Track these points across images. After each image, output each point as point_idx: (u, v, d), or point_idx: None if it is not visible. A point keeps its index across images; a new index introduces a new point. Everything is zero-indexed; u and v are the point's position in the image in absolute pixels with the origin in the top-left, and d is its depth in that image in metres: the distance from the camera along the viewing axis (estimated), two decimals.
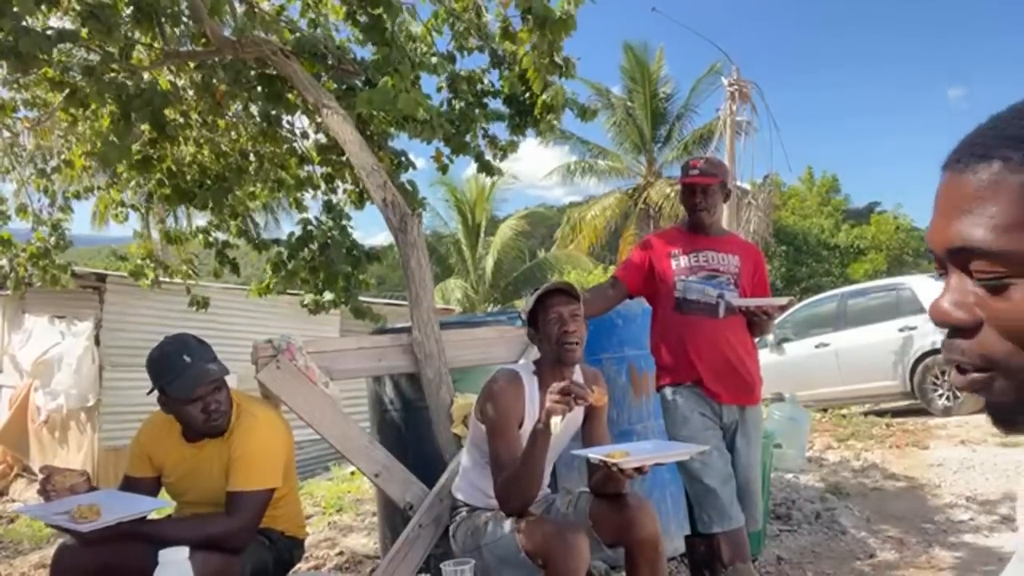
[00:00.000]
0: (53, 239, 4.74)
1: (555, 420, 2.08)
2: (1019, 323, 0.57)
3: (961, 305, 0.60)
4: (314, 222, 4.59)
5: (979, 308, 0.59)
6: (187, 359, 2.29)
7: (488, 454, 2.33)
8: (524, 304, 2.50)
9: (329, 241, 4.42)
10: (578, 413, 2.45)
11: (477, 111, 3.97)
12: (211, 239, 4.91)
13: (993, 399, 0.62)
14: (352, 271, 4.49)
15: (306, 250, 4.55)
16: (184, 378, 2.25)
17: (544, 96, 3.55)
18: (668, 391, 2.83)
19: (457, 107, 3.96)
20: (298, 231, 4.58)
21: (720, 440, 2.78)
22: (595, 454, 2.17)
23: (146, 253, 4.97)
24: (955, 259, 0.60)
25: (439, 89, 4.03)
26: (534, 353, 2.77)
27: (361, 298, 4.95)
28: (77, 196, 4.84)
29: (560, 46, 3.50)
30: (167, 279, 5.12)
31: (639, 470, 2.08)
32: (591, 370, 2.57)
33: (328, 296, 4.56)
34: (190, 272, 5.16)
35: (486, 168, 4.23)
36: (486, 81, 4.06)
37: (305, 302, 4.66)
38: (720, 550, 2.66)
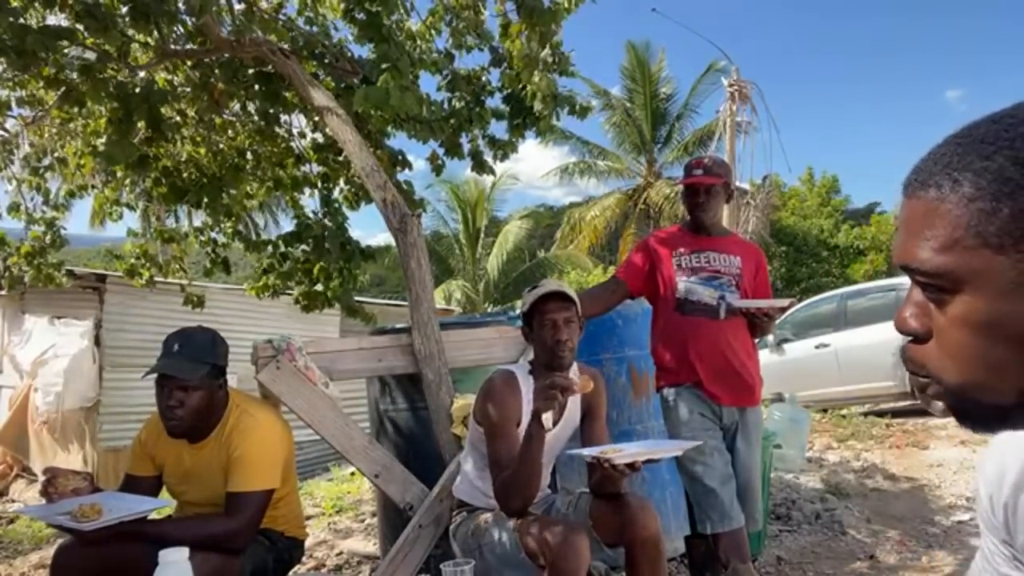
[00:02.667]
0: (48, 237, 4.73)
1: (546, 417, 2.08)
2: (953, 337, 0.62)
3: (917, 316, 0.65)
4: (311, 216, 4.59)
5: (930, 320, 0.64)
6: (176, 347, 2.30)
7: (487, 455, 2.33)
8: (521, 303, 2.50)
9: (325, 234, 4.42)
10: (575, 413, 2.45)
11: (477, 110, 3.97)
12: (203, 238, 4.91)
13: (945, 405, 0.66)
14: (346, 265, 4.49)
15: (301, 247, 4.55)
16: (159, 363, 2.28)
17: (531, 86, 3.53)
18: (668, 392, 2.83)
19: (457, 106, 3.96)
20: (294, 226, 4.59)
21: (720, 441, 2.78)
22: (590, 452, 2.17)
23: (142, 252, 4.96)
24: (908, 274, 0.65)
25: (439, 88, 4.03)
26: (531, 352, 2.78)
27: (357, 298, 4.95)
28: (72, 195, 4.83)
29: (552, 39, 3.49)
30: (162, 279, 5.11)
31: (632, 466, 2.07)
32: (590, 370, 2.56)
33: (320, 288, 4.56)
34: (180, 269, 5.14)
35: (481, 167, 4.22)
36: (485, 79, 4.06)
37: (296, 294, 4.66)
38: (720, 551, 2.66)
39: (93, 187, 4.87)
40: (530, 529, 2.15)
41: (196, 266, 5.57)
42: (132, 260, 4.93)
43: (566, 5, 3.40)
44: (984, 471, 0.85)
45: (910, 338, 0.67)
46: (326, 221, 4.50)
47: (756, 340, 2.98)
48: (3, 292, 5.30)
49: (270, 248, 4.77)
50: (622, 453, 2.09)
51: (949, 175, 0.60)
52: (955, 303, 0.61)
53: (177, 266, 5.09)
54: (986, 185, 0.58)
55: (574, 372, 2.46)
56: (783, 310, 2.96)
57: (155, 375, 2.29)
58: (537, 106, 3.55)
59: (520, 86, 3.74)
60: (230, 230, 4.92)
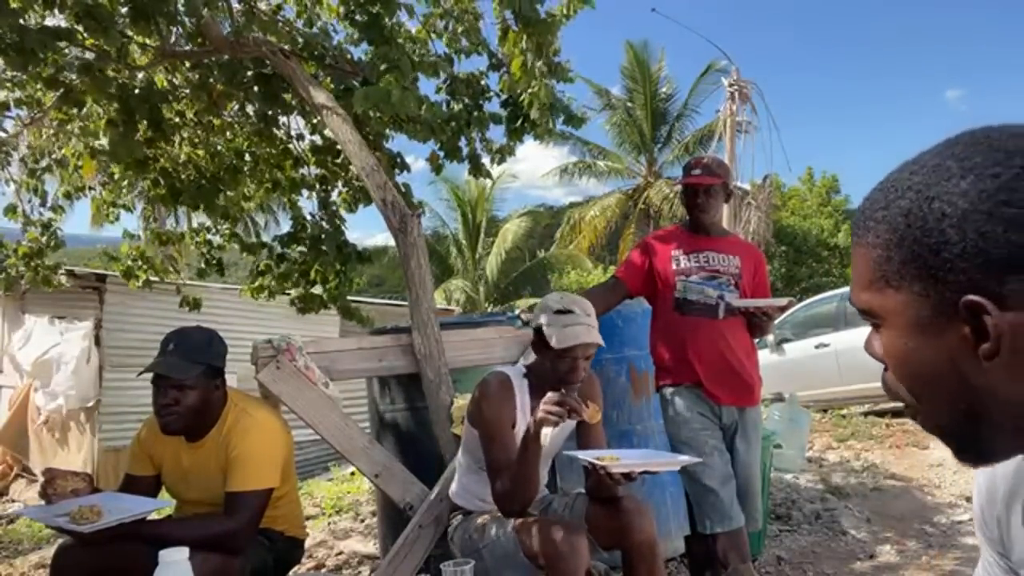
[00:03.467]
0: (45, 239, 4.72)
1: (545, 431, 2.06)
2: (889, 364, 0.70)
3: (875, 344, 0.72)
4: (309, 218, 4.59)
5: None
6: (171, 347, 2.31)
7: (480, 458, 2.33)
8: (535, 313, 2.43)
9: (322, 235, 4.42)
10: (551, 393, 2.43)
11: (475, 114, 3.97)
12: (199, 240, 4.91)
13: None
14: (342, 268, 4.49)
15: (297, 250, 4.55)
16: (153, 362, 2.28)
17: (527, 95, 3.53)
18: (668, 391, 2.83)
19: (456, 109, 3.96)
20: (291, 227, 4.60)
21: (719, 440, 2.78)
22: (587, 457, 2.16)
23: (138, 254, 4.96)
24: None
25: (438, 91, 4.03)
26: (531, 355, 2.76)
27: (356, 299, 4.95)
28: (68, 196, 4.82)
29: (550, 47, 3.49)
30: (158, 280, 5.10)
31: (628, 476, 2.07)
32: (588, 373, 2.55)
33: (317, 290, 4.56)
34: (175, 271, 5.14)
35: (477, 170, 4.23)
36: (483, 83, 4.06)
37: (293, 296, 4.65)
38: (720, 551, 2.66)
39: (91, 189, 4.86)
40: (530, 530, 2.15)
41: (193, 267, 5.56)
42: (129, 262, 4.93)
43: (565, 12, 3.40)
44: (977, 484, 0.86)
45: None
46: (323, 223, 4.50)
47: (756, 340, 2.99)
48: (2, 292, 5.29)
49: (266, 251, 4.76)
50: (620, 463, 2.08)
51: (864, 222, 0.68)
52: (882, 335, 0.69)
53: (171, 267, 5.08)
54: (883, 233, 0.65)
55: None
56: (782, 310, 2.96)
57: (151, 374, 2.29)
58: (534, 114, 3.56)
59: (519, 92, 3.74)
60: (227, 232, 4.91)
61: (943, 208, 0.61)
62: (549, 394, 2.10)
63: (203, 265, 4.94)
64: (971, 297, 0.60)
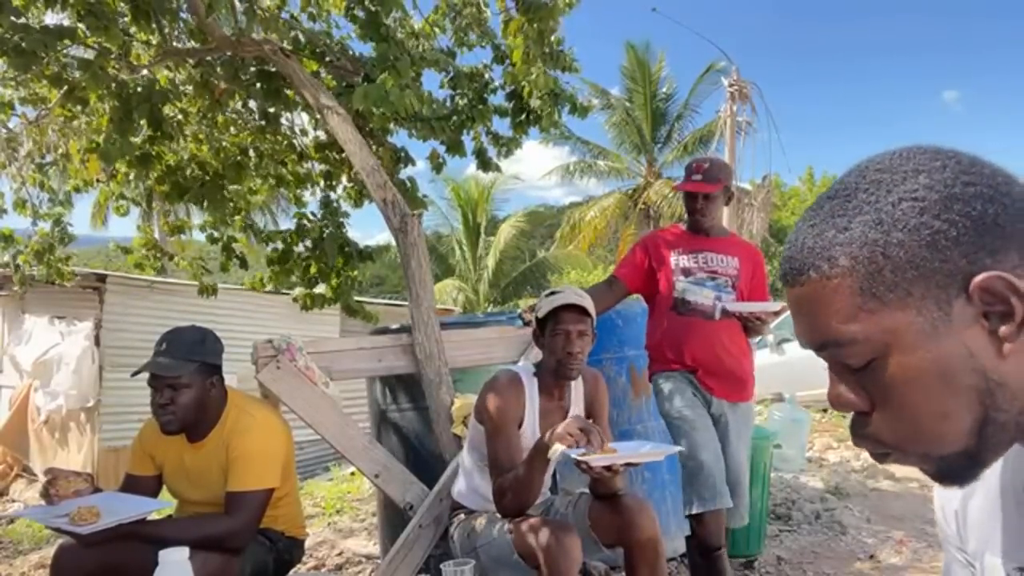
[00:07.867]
0: (56, 233, 4.74)
1: (556, 447, 2.04)
2: (896, 399, 0.63)
3: (853, 389, 0.66)
4: (310, 217, 4.59)
5: (867, 392, 0.65)
6: (164, 346, 2.31)
7: (486, 456, 2.33)
8: (536, 306, 2.46)
9: (323, 236, 4.43)
10: (579, 415, 2.44)
11: (479, 107, 3.96)
12: (215, 235, 4.92)
13: (912, 467, 0.68)
14: (344, 266, 4.49)
15: (301, 246, 4.55)
16: (147, 363, 2.29)
17: (528, 83, 3.53)
18: (661, 377, 2.87)
19: (460, 104, 3.95)
20: (294, 226, 4.60)
21: (710, 421, 2.81)
22: (570, 453, 2.15)
23: (150, 244, 4.97)
24: (827, 353, 0.67)
25: (441, 86, 4.03)
26: (535, 353, 2.77)
27: (357, 298, 4.95)
28: (77, 190, 4.84)
29: (551, 35, 3.49)
30: (174, 267, 5.12)
31: (609, 468, 2.07)
32: (590, 370, 2.55)
33: (320, 290, 4.56)
34: (204, 268, 5.14)
35: (485, 164, 4.21)
36: (487, 76, 4.05)
37: (295, 295, 4.66)
38: (706, 533, 2.67)
39: (99, 181, 4.87)
40: (522, 530, 2.15)
41: (210, 263, 5.57)
42: (143, 251, 4.95)
43: (566, 0, 3.39)
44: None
45: (853, 416, 0.68)
46: (326, 223, 4.50)
47: (755, 340, 3.00)
48: (15, 288, 5.32)
49: (280, 243, 4.75)
50: (599, 456, 2.08)
51: (820, 255, 0.64)
52: (888, 366, 0.63)
53: (198, 265, 5.09)
54: (857, 251, 0.62)
55: (577, 384, 2.46)
56: (776, 314, 2.97)
57: (146, 375, 2.29)
58: (535, 103, 3.55)
59: (522, 83, 3.73)
60: (239, 224, 4.91)
61: (916, 204, 0.60)
62: (573, 417, 2.10)
63: (223, 259, 4.94)
64: (987, 274, 0.58)
